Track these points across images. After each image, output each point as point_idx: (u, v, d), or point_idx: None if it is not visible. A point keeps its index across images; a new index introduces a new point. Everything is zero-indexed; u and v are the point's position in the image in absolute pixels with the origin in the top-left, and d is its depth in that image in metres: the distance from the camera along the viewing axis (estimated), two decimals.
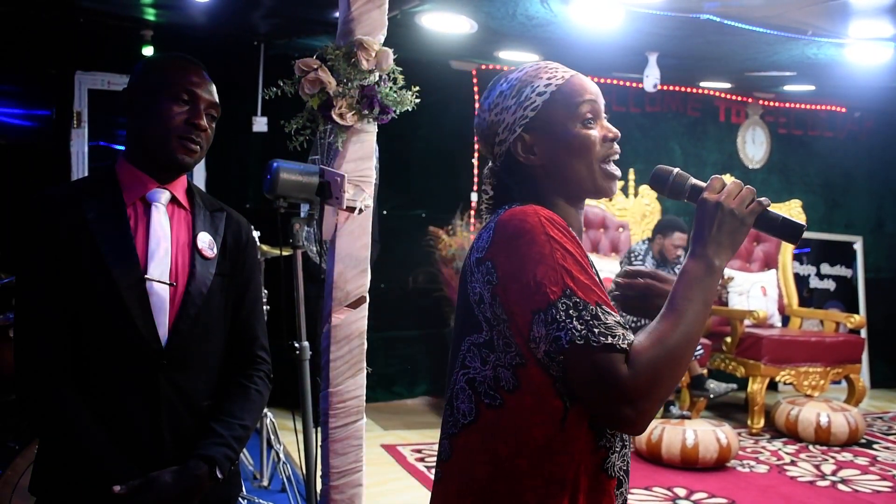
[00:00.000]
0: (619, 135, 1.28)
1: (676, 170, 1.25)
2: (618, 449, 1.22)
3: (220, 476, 1.55)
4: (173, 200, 1.63)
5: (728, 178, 1.23)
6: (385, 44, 2.22)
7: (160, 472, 1.50)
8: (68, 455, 1.49)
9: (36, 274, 1.52)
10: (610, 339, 1.08)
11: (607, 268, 5.39)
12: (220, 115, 1.66)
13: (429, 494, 1.30)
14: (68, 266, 1.51)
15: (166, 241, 1.59)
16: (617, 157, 1.28)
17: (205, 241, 1.64)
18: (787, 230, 1.19)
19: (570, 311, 1.10)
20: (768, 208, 1.19)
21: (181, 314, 1.57)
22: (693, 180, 1.25)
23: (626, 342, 1.09)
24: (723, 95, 6.47)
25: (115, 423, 1.51)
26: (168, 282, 1.57)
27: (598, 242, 5.67)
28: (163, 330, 1.55)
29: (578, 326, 1.09)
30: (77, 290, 1.51)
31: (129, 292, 1.51)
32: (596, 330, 1.09)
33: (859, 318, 5.40)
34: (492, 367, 1.19)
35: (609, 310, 1.12)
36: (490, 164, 1.35)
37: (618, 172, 1.29)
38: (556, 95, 1.26)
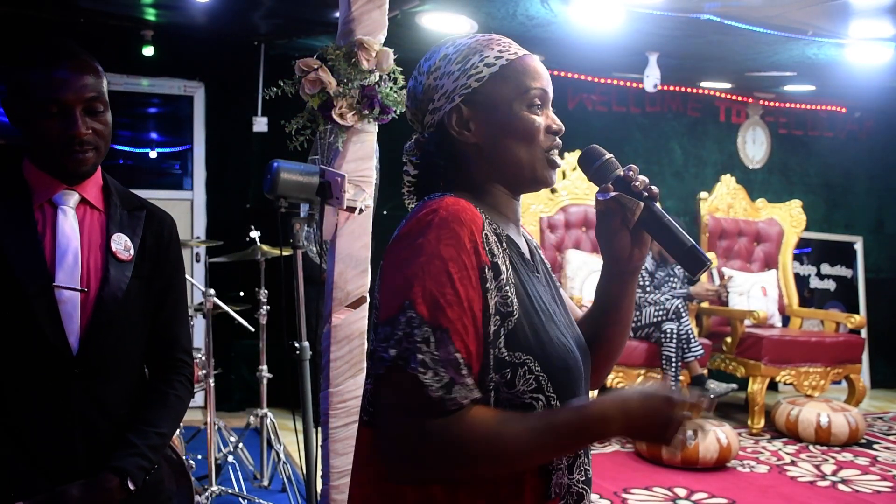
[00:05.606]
0: (564, 129, 1.16)
1: (609, 156, 1.16)
2: (563, 466, 1.08)
3: (132, 488, 1.49)
4: (84, 202, 1.56)
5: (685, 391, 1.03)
6: (385, 44, 2.22)
7: (67, 486, 1.44)
8: None
9: None
10: (454, 393, 0.96)
11: None
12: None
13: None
14: None
15: (75, 246, 1.51)
16: (558, 150, 1.16)
17: (120, 242, 1.56)
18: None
19: (408, 330, 0.97)
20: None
21: (93, 321, 1.50)
22: (620, 171, 1.15)
23: (471, 397, 0.97)
24: (723, 95, 6.46)
25: (25, 434, 1.46)
26: (79, 288, 1.50)
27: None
28: (73, 338, 1.48)
29: (426, 350, 0.96)
30: None
31: (36, 300, 1.45)
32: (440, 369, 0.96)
33: (859, 318, 5.40)
34: (373, 379, 1.06)
35: (465, 341, 0.98)
36: (415, 136, 1.20)
37: (561, 162, 1.17)
38: (506, 71, 1.12)
